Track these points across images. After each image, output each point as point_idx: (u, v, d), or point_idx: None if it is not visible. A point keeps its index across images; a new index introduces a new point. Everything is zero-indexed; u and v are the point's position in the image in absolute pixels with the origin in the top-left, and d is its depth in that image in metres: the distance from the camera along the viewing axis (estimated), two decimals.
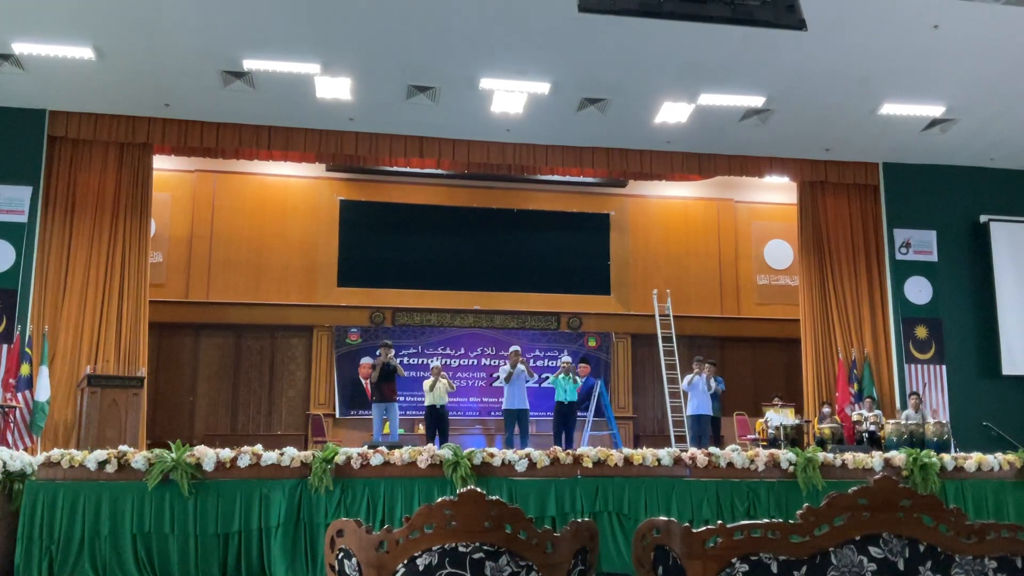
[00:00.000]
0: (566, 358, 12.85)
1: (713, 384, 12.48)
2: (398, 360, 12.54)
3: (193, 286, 14.61)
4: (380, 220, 15.38)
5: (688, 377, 12.78)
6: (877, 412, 12.28)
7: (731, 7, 4.64)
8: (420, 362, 14.54)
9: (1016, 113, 11.92)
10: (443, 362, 13.36)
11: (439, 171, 14.71)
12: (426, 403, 12.21)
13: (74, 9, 9.48)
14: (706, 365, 12.73)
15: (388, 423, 12.07)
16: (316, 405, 14.45)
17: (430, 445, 7.79)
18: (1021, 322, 13.47)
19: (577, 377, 12.50)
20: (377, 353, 12.46)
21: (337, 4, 9.36)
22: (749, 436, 13.29)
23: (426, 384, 12.23)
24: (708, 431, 12.33)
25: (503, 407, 12.29)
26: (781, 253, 16.41)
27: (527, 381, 12.31)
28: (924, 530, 2.60)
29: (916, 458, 8.15)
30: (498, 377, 12.35)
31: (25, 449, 10.14)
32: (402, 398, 13.16)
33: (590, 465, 7.58)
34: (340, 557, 2.73)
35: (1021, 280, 13.63)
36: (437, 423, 12.01)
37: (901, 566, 2.57)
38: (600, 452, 7.70)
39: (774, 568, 2.55)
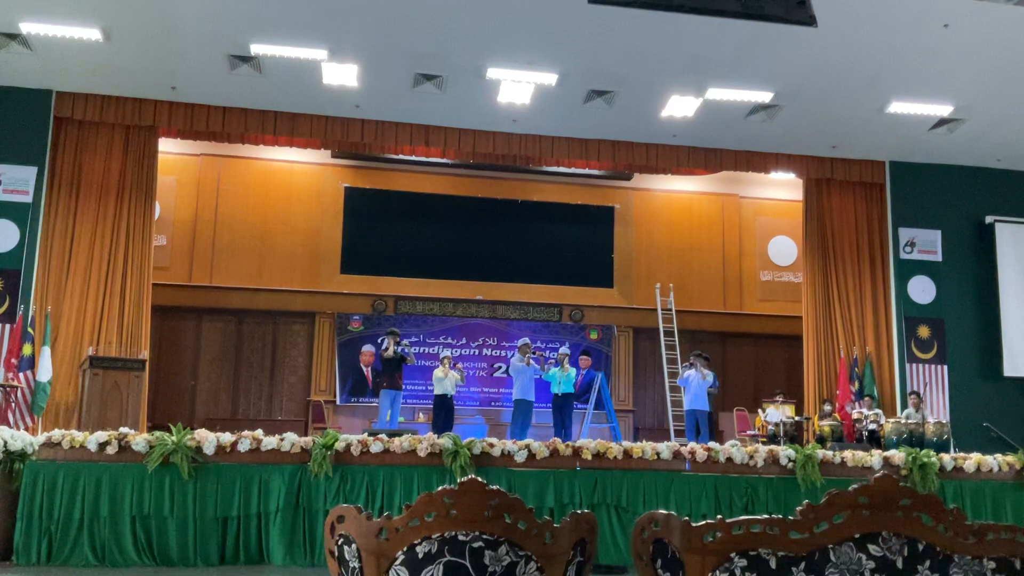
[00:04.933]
0: (564, 350, 12.86)
1: (707, 375, 12.34)
2: (412, 348, 12.65)
3: (196, 270, 14.61)
4: (384, 208, 15.37)
5: (682, 372, 12.78)
6: (877, 411, 12.29)
7: (741, 1, 4.62)
8: (422, 351, 14.55)
9: (1023, 114, 11.90)
10: (450, 352, 13.39)
11: (444, 160, 14.69)
12: (436, 392, 12.24)
13: None
14: (702, 358, 12.70)
15: (390, 411, 12.11)
16: (317, 391, 14.48)
17: (430, 434, 7.81)
18: (1023, 324, 13.46)
19: (566, 367, 12.41)
20: (380, 340, 12.49)
21: None
22: (749, 432, 13.30)
23: (437, 373, 12.25)
24: (704, 425, 12.26)
25: (519, 397, 12.24)
26: (785, 249, 16.39)
27: (536, 373, 12.40)
28: (923, 529, 2.60)
29: (915, 457, 8.16)
30: (539, 371, 12.34)
31: (26, 429, 10.16)
32: (404, 386, 13.18)
33: (589, 457, 7.60)
34: (340, 543, 2.74)
35: None
36: (446, 413, 12.05)
37: (900, 565, 2.57)
38: (599, 445, 7.71)
39: (773, 564, 2.56)
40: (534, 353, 12.51)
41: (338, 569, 2.76)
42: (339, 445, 7.23)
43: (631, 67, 10.96)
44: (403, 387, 12.37)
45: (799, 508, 2.63)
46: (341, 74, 11.23)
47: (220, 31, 10.30)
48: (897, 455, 8.26)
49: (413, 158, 14.58)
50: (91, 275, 11.86)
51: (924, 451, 8.39)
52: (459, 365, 12.67)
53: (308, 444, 7.22)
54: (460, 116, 12.56)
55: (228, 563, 6.97)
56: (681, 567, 2.60)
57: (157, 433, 7.14)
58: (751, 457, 7.87)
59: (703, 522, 2.61)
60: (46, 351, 10.97)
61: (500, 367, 14.89)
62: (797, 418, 12.83)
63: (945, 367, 13.31)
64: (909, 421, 11.35)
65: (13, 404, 10.67)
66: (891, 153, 13.59)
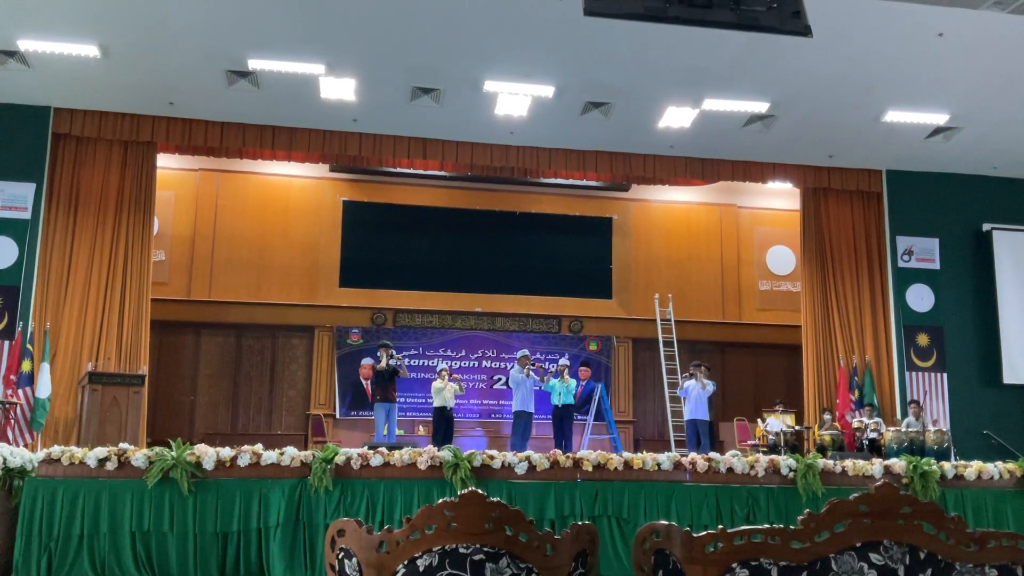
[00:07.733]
0: (563, 361, 12.84)
1: (707, 385, 12.34)
2: (404, 361, 12.62)
3: (195, 285, 14.62)
4: (383, 221, 15.39)
5: (682, 383, 12.77)
6: (877, 419, 12.27)
7: (736, 12, 4.63)
8: (421, 364, 14.54)
9: (1020, 122, 11.92)
10: (449, 364, 13.38)
11: (442, 173, 14.72)
12: (435, 404, 12.20)
13: (80, 7, 9.51)
14: (702, 368, 12.70)
15: (387, 424, 12.08)
16: (316, 405, 14.45)
17: (430, 447, 7.79)
18: (1022, 331, 13.46)
19: (566, 379, 12.36)
20: (377, 354, 12.48)
21: (343, 5, 9.38)
22: (749, 441, 13.27)
23: (436, 385, 12.22)
24: (705, 435, 12.25)
25: (519, 408, 12.18)
26: (783, 259, 16.41)
27: (535, 385, 12.36)
28: (924, 538, 2.60)
29: (916, 466, 8.14)
30: (538, 383, 12.31)
31: (25, 446, 10.14)
32: (402, 399, 13.15)
33: (590, 469, 7.58)
34: (340, 557, 2.73)
35: (1023, 289, 13.62)
36: (446, 425, 12.02)
37: (901, 573, 2.56)
38: (600, 456, 7.69)
39: (774, 574, 2.55)
40: (533, 365, 12.50)
41: None
42: (339, 459, 7.20)
43: (627, 79, 10.99)
44: (397, 399, 12.33)
45: (800, 517, 2.63)
46: (339, 88, 11.26)
47: (218, 46, 10.33)
48: (898, 464, 8.24)
49: (411, 171, 14.61)
50: (90, 291, 11.86)
51: (925, 459, 8.37)
52: (456, 375, 12.65)
53: (308, 458, 7.19)
54: (457, 129, 12.59)
55: None
56: None
57: (156, 448, 7.12)
58: (752, 467, 7.85)
59: (704, 532, 2.61)
60: (45, 367, 10.95)
61: (500, 379, 14.87)
62: (797, 427, 12.81)
63: (944, 375, 13.30)
64: (909, 429, 11.34)
65: (12, 421, 10.65)
66: (888, 162, 13.62)
